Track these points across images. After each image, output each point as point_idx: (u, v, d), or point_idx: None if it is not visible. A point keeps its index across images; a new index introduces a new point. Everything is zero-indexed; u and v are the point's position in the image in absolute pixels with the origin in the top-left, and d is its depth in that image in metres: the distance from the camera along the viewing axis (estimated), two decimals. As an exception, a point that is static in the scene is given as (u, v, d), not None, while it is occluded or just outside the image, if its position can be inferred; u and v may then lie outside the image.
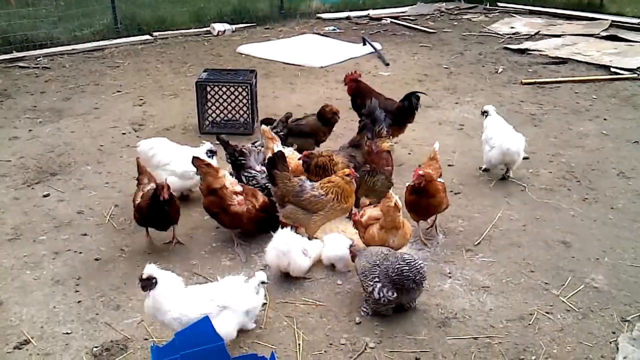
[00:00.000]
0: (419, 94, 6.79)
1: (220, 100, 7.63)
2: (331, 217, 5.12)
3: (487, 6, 14.66)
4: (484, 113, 6.56)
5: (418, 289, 4.23)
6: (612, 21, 12.51)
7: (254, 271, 4.47)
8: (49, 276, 4.75)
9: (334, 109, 6.43)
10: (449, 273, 4.81)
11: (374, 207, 4.99)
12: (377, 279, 4.19)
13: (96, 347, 4.03)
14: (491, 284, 4.68)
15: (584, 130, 7.61)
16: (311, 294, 4.57)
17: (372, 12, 13.98)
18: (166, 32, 11.95)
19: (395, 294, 4.17)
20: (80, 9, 11.90)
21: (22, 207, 5.79)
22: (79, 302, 4.46)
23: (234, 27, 12.44)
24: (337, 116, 6.44)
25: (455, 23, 13.41)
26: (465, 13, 14.30)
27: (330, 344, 4.06)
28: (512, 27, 12.79)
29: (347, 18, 13.64)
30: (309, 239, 4.96)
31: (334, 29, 12.71)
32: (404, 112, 6.63)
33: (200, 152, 5.71)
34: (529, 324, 4.26)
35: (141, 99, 8.62)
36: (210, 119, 7.66)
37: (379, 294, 4.16)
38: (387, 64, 10.33)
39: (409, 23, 13.24)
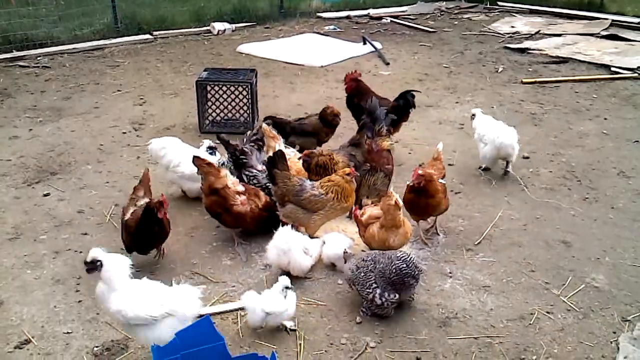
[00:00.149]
0: (414, 93, 6.78)
1: (221, 100, 7.62)
2: (331, 216, 5.12)
3: (488, 5, 14.66)
4: (472, 116, 6.60)
5: (417, 283, 4.25)
6: (613, 20, 12.51)
7: (277, 276, 4.50)
8: (50, 276, 4.75)
9: (335, 111, 6.41)
10: (450, 273, 4.81)
11: (374, 205, 4.99)
12: (374, 285, 4.19)
13: (97, 346, 4.03)
14: (492, 284, 4.68)
15: (584, 130, 7.61)
16: (312, 294, 4.57)
17: (373, 11, 13.98)
18: (166, 32, 11.95)
19: (396, 296, 4.17)
20: (80, 8, 11.89)
21: (23, 206, 5.78)
22: (79, 301, 4.46)
23: (234, 26, 12.43)
24: (338, 118, 6.43)
25: (456, 22, 13.40)
26: (465, 12, 14.30)
27: (331, 344, 4.06)
28: (512, 27, 12.79)
29: (347, 17, 13.64)
30: (310, 238, 4.96)
31: (334, 28, 12.71)
32: (399, 111, 6.61)
33: (202, 150, 5.73)
34: (530, 324, 4.26)
35: (141, 98, 8.62)
36: (210, 118, 7.66)
37: (380, 299, 4.16)
38: (388, 64, 10.32)
39: (409, 22, 13.24)
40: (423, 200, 4.99)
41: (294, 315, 4.18)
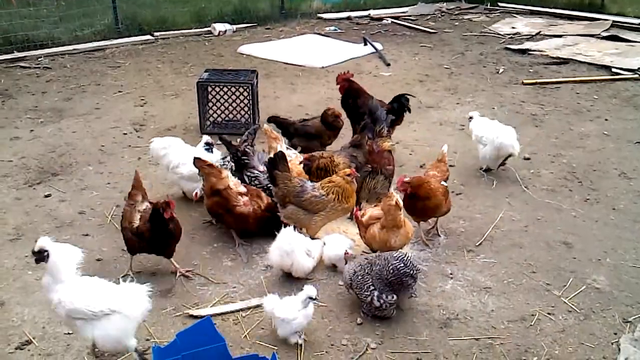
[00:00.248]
0: (408, 96, 6.77)
1: (222, 101, 7.63)
2: (332, 217, 5.12)
3: (488, 6, 14.65)
4: (470, 119, 6.62)
5: (415, 282, 4.25)
6: (613, 21, 12.49)
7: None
8: (51, 276, 4.75)
9: (335, 112, 6.38)
10: (451, 274, 4.81)
11: (375, 206, 4.99)
12: (372, 287, 4.19)
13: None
14: (493, 285, 4.68)
15: (585, 131, 7.61)
16: (312, 295, 4.56)
17: (373, 12, 13.98)
18: (167, 32, 11.94)
19: (394, 297, 4.17)
20: (81, 9, 11.90)
21: (24, 207, 5.79)
22: (80, 302, 4.45)
23: (234, 27, 12.43)
24: (339, 119, 6.39)
25: (456, 23, 13.40)
26: (466, 13, 14.30)
27: (332, 345, 4.06)
28: (513, 27, 12.79)
29: (348, 18, 13.63)
30: (311, 239, 4.96)
31: (335, 29, 12.71)
32: (392, 114, 6.59)
33: (200, 146, 5.73)
34: (531, 325, 4.26)
35: (142, 99, 8.62)
36: (211, 119, 7.66)
37: (378, 301, 4.17)
38: (388, 64, 10.32)
39: (410, 23, 13.23)
40: (420, 203, 4.99)
41: (305, 327, 4.06)
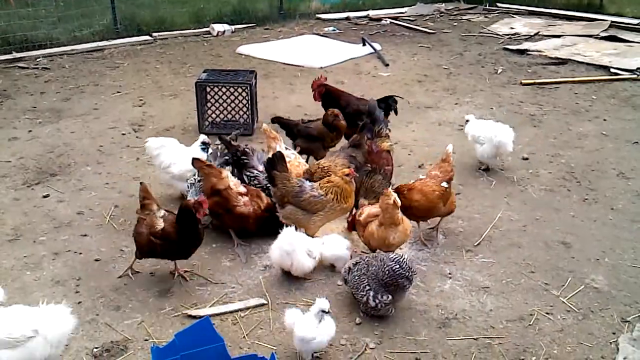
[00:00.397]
0: (397, 98, 6.75)
1: (220, 101, 7.63)
2: (331, 217, 5.12)
3: (487, 7, 14.68)
4: (466, 122, 6.65)
5: (410, 284, 4.24)
6: (612, 22, 12.51)
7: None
8: (49, 277, 4.75)
9: (335, 112, 6.28)
10: (449, 274, 4.81)
11: (373, 204, 4.98)
12: (367, 287, 4.20)
13: (96, 347, 4.03)
14: (491, 285, 4.69)
15: (583, 131, 7.62)
16: (311, 295, 4.56)
17: (372, 13, 13.99)
18: (166, 33, 11.94)
19: (389, 297, 4.17)
20: (79, 9, 11.89)
21: (22, 207, 5.78)
22: (79, 302, 4.45)
23: (233, 27, 12.44)
24: (339, 119, 6.26)
25: (455, 23, 13.41)
26: (464, 13, 14.32)
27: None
28: (511, 28, 12.80)
29: (347, 18, 13.64)
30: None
31: (334, 30, 12.71)
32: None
33: (196, 145, 5.72)
34: (529, 325, 4.26)
35: (141, 100, 8.62)
36: (210, 119, 7.66)
37: (374, 301, 4.17)
38: (387, 65, 10.33)
39: (409, 23, 13.24)
40: (410, 206, 4.96)
41: (325, 346, 3.91)
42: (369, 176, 5.34)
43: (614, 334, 4.17)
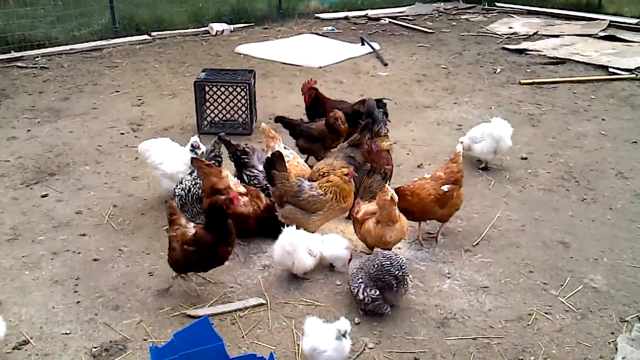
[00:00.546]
0: (386, 101, 6.72)
1: (219, 101, 7.62)
2: (330, 217, 5.12)
3: (486, 6, 14.67)
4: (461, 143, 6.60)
5: (400, 285, 4.20)
6: (611, 21, 12.53)
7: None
8: (48, 276, 4.75)
9: (336, 115, 6.20)
10: (448, 273, 4.82)
11: (370, 202, 4.98)
12: (360, 280, 4.24)
13: (95, 347, 4.02)
14: (490, 284, 4.69)
15: (582, 131, 7.62)
16: (310, 295, 4.57)
17: (371, 12, 13.98)
18: (164, 32, 11.93)
19: (377, 292, 4.17)
20: (78, 8, 11.87)
21: (21, 207, 5.78)
22: (77, 302, 4.45)
23: (232, 27, 12.43)
24: (339, 122, 6.16)
25: (454, 23, 13.42)
26: (463, 13, 14.32)
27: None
28: (510, 27, 12.81)
29: (346, 18, 13.64)
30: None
31: (333, 29, 12.71)
32: (361, 116, 6.62)
33: (187, 148, 5.69)
34: (528, 324, 4.26)
35: (139, 99, 8.62)
36: (208, 119, 7.65)
37: (362, 293, 4.20)
38: (386, 64, 10.33)
39: (408, 23, 13.24)
40: (405, 207, 4.95)
41: None
42: (369, 176, 5.35)
43: (612, 333, 4.18)
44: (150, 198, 5.85)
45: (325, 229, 5.28)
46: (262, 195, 5.25)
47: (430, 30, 12.60)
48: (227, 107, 7.67)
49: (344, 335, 3.69)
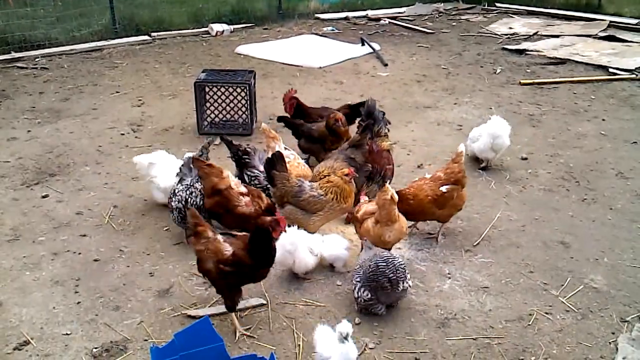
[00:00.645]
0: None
1: (219, 101, 7.63)
2: (330, 217, 5.13)
3: (486, 6, 14.68)
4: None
5: (393, 288, 4.16)
6: (610, 21, 12.53)
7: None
8: (49, 277, 4.75)
9: (337, 116, 6.16)
10: (448, 274, 4.82)
11: (370, 202, 4.98)
12: (358, 279, 4.24)
13: (96, 347, 4.02)
14: (490, 285, 4.69)
15: (582, 131, 7.62)
16: (311, 295, 4.57)
17: (371, 13, 13.99)
18: (164, 33, 11.94)
19: (369, 294, 4.17)
20: (78, 9, 11.88)
21: (21, 208, 5.78)
22: (78, 303, 4.45)
23: (232, 27, 12.43)
24: (339, 124, 6.13)
25: (454, 23, 13.42)
26: (463, 13, 14.32)
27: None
28: (510, 28, 12.81)
29: (346, 18, 13.65)
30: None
31: (333, 29, 12.72)
32: (347, 118, 6.54)
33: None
34: (529, 325, 4.26)
35: (140, 100, 8.62)
36: (209, 119, 7.65)
37: (357, 293, 4.21)
38: (386, 65, 10.33)
39: (408, 23, 13.25)
40: (403, 208, 4.93)
41: None
42: (367, 184, 5.36)
43: (613, 333, 4.18)
44: (150, 199, 5.85)
45: (326, 230, 5.28)
46: (263, 195, 5.25)
47: (430, 31, 12.61)
48: (227, 107, 7.67)
49: (345, 338, 3.65)
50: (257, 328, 4.21)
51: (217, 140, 7.01)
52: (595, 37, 11.77)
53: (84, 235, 5.32)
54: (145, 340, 4.09)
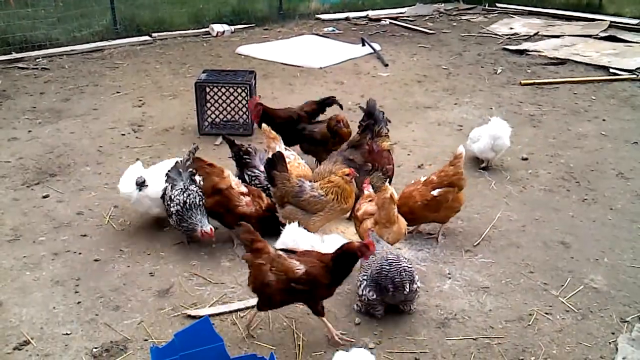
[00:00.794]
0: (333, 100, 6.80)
1: (220, 101, 7.63)
2: (331, 217, 5.13)
3: (486, 7, 14.68)
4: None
5: (397, 291, 4.12)
6: (611, 22, 12.52)
7: None
8: (49, 277, 4.75)
9: (338, 118, 6.12)
10: (449, 274, 4.82)
11: (370, 201, 4.98)
12: (365, 276, 4.24)
13: (96, 347, 4.03)
14: (490, 285, 4.69)
15: (582, 131, 7.62)
16: (311, 295, 4.57)
17: (371, 13, 13.99)
18: (165, 33, 11.94)
19: (374, 295, 4.16)
20: (79, 9, 11.88)
21: (22, 208, 5.78)
22: (78, 302, 4.46)
23: (233, 28, 12.44)
24: (340, 126, 6.09)
25: (454, 24, 13.42)
26: (464, 14, 14.32)
27: (330, 345, 4.05)
28: (511, 28, 12.81)
29: (346, 19, 13.64)
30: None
31: (333, 30, 12.72)
32: (313, 116, 6.65)
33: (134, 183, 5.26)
34: (529, 325, 4.26)
35: (140, 100, 8.62)
36: (209, 119, 7.66)
37: (362, 291, 4.20)
38: (386, 65, 10.33)
39: (408, 24, 13.25)
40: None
41: None
42: (370, 174, 5.36)
43: (613, 334, 4.18)
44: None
45: (326, 230, 5.28)
46: (264, 195, 5.26)
47: (431, 31, 12.61)
48: (228, 107, 7.68)
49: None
50: (257, 328, 4.22)
51: (219, 141, 7.06)
52: (595, 37, 11.76)
53: (85, 235, 5.33)
54: (145, 340, 4.10)
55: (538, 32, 12.34)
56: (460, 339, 4.13)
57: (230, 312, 4.36)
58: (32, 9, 11.51)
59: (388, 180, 5.50)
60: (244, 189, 5.15)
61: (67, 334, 4.14)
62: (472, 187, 6.20)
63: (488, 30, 12.72)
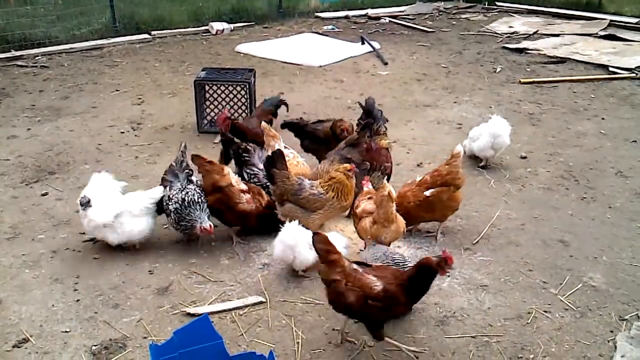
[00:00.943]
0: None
1: (219, 100, 7.63)
2: (330, 215, 5.13)
3: (486, 5, 14.69)
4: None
5: None
6: (611, 21, 12.53)
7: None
8: (48, 275, 4.75)
9: (344, 126, 6.01)
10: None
11: (369, 199, 4.98)
12: None
13: (95, 345, 4.03)
14: (489, 283, 4.69)
15: (582, 130, 7.62)
16: (310, 293, 4.57)
17: (371, 11, 13.99)
18: (165, 31, 11.94)
19: None
20: (78, 7, 11.87)
21: (21, 205, 5.78)
22: (77, 300, 4.46)
23: (232, 26, 12.43)
24: (345, 134, 5.96)
25: (454, 22, 13.42)
26: (463, 12, 14.32)
27: (329, 343, 4.06)
28: (510, 27, 12.81)
29: (346, 17, 13.65)
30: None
31: (333, 28, 12.71)
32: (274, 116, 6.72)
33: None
34: (527, 323, 4.27)
35: (140, 98, 8.62)
36: (208, 117, 7.65)
37: None
38: (386, 63, 10.33)
39: (408, 22, 13.25)
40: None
41: None
42: (369, 172, 5.36)
43: (611, 332, 4.18)
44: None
45: (325, 228, 5.28)
46: (264, 192, 5.27)
47: (431, 30, 12.60)
48: (227, 106, 7.67)
49: None
50: (257, 326, 4.22)
51: (217, 139, 7.05)
52: (595, 36, 11.77)
53: (83, 234, 5.32)
54: (145, 337, 4.10)
55: (537, 30, 12.34)
56: (459, 337, 4.14)
57: (230, 310, 4.36)
58: (32, 6, 11.50)
59: (386, 178, 5.50)
60: (244, 187, 5.16)
61: (66, 331, 4.15)
62: (471, 185, 6.20)
63: (487, 28, 12.72)
